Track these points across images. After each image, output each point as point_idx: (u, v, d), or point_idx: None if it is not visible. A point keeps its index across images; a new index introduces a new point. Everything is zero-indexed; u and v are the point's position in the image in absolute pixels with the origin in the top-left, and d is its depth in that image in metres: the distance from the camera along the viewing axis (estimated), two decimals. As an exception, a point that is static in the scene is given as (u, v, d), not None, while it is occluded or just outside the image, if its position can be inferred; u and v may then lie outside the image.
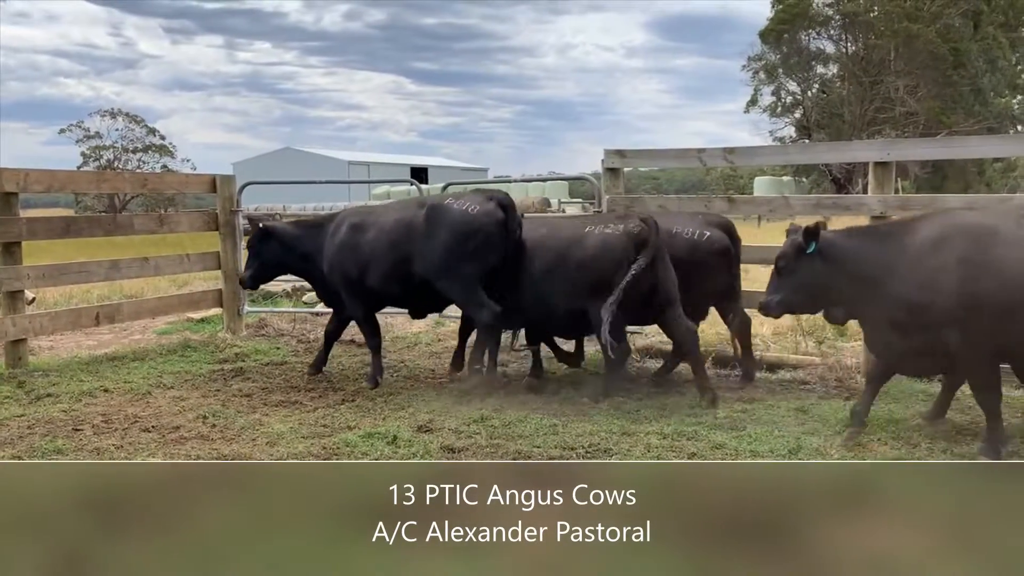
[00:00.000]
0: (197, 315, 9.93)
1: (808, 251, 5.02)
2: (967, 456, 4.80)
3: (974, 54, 41.12)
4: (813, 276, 5.09)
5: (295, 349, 8.32)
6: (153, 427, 5.62)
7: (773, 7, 46.18)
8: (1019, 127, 43.53)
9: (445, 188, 9.00)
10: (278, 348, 8.34)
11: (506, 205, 6.25)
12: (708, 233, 6.40)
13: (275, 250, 6.91)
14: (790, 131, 48.44)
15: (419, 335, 8.89)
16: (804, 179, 46.86)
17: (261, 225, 6.93)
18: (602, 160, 7.74)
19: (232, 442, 5.27)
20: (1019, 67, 44.89)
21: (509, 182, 21.37)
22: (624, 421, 5.58)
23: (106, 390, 6.59)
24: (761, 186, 37.31)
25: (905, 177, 41.23)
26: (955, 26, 40.89)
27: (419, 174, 54.24)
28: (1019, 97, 45.01)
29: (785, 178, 41.32)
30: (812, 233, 5.01)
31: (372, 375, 6.72)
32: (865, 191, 7.86)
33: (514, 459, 4.80)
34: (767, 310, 5.34)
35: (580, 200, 21.91)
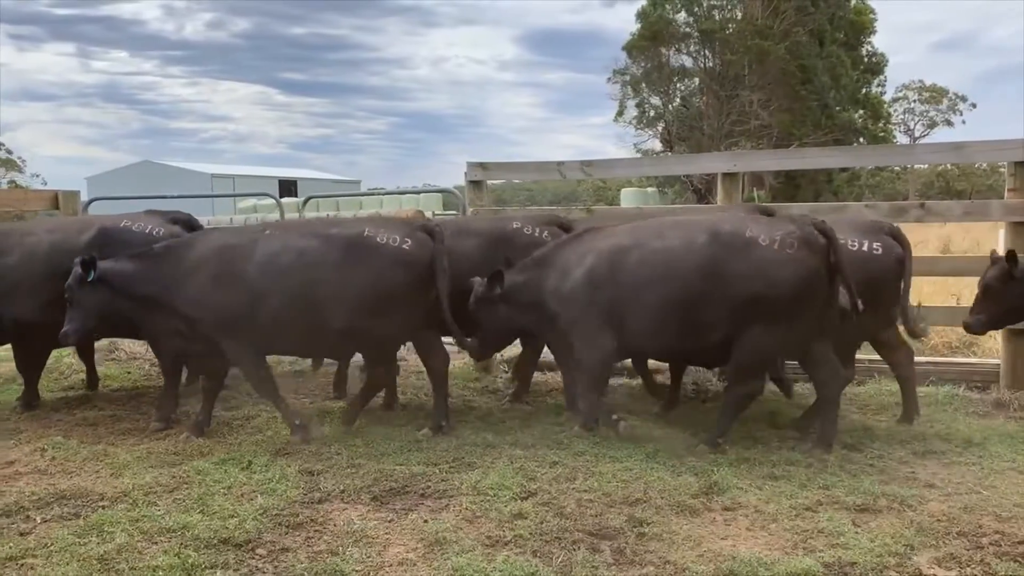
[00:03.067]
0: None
1: None
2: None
3: (820, 71, 43.73)
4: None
5: (147, 373, 7.88)
6: (-17, 463, 5.18)
7: (637, 22, 47.74)
8: (862, 139, 46.57)
9: (306, 202, 8.80)
10: (129, 372, 7.89)
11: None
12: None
13: None
14: (655, 143, 50.15)
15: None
16: (668, 190, 48.55)
17: None
18: (465, 173, 7.75)
19: (72, 476, 4.93)
20: (860, 83, 48.06)
21: (383, 194, 21.05)
22: (489, 434, 5.57)
23: (-70, 425, 6.05)
24: (627, 197, 38.29)
25: (761, 187, 43.42)
26: (802, 44, 43.37)
27: (288, 187, 52.85)
28: (861, 111, 48.18)
29: (650, 189, 42.56)
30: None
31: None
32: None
33: (375, 479, 4.69)
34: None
35: (454, 212, 21.89)
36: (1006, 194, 6.55)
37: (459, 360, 8.08)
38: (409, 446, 5.30)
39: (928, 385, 6.71)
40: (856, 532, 3.80)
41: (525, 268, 5.53)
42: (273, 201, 10.86)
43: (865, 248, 5.23)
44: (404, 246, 5.29)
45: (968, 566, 3.44)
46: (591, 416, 5.50)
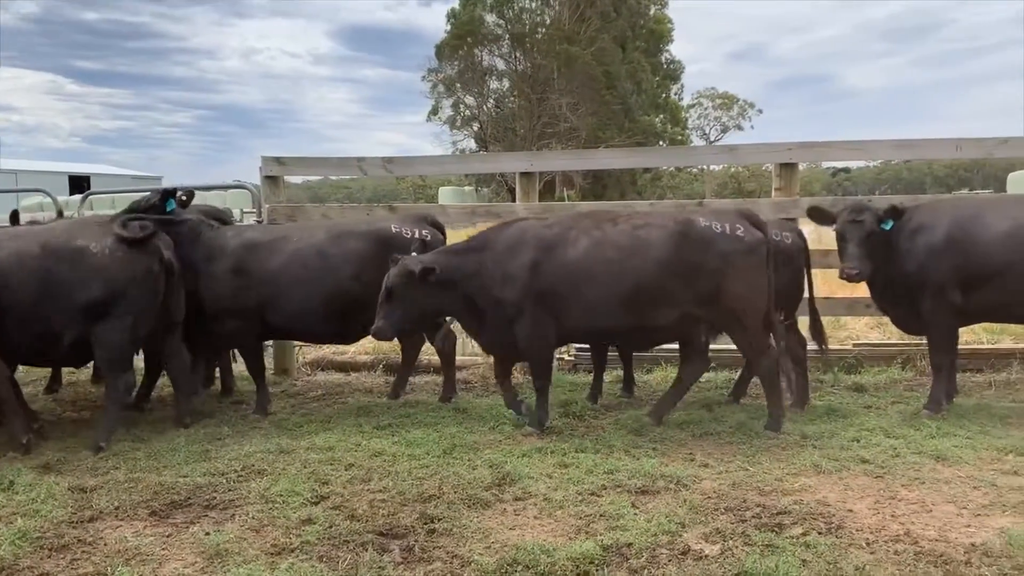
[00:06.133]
0: None
1: None
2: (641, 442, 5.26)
3: (623, 76, 45.94)
4: None
5: None
6: None
7: (448, 22, 48.08)
8: (663, 142, 49.34)
9: (85, 198, 8.17)
10: None
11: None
12: None
13: None
14: (470, 143, 50.75)
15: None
16: (485, 188, 49.31)
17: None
18: (260, 168, 7.47)
19: None
20: (660, 89, 50.89)
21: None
22: (283, 439, 5.39)
23: None
24: (444, 195, 38.51)
25: (571, 187, 45.04)
26: (607, 50, 45.35)
27: (81, 183, 48.85)
28: (661, 116, 51.02)
29: (467, 188, 43.07)
30: None
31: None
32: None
33: (155, 492, 4.41)
34: None
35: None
36: (773, 193, 7.14)
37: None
38: (195, 456, 5.04)
39: (708, 370, 7.19)
40: (635, 514, 3.99)
41: (458, 251, 5.56)
42: (63, 199, 10.00)
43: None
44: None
45: (731, 539, 3.69)
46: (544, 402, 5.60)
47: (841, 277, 5.73)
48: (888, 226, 5.65)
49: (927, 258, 5.58)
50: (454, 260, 5.49)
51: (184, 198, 6.15)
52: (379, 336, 5.55)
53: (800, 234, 6.12)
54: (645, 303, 5.23)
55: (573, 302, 5.30)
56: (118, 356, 5.34)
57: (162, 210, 5.93)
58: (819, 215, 5.99)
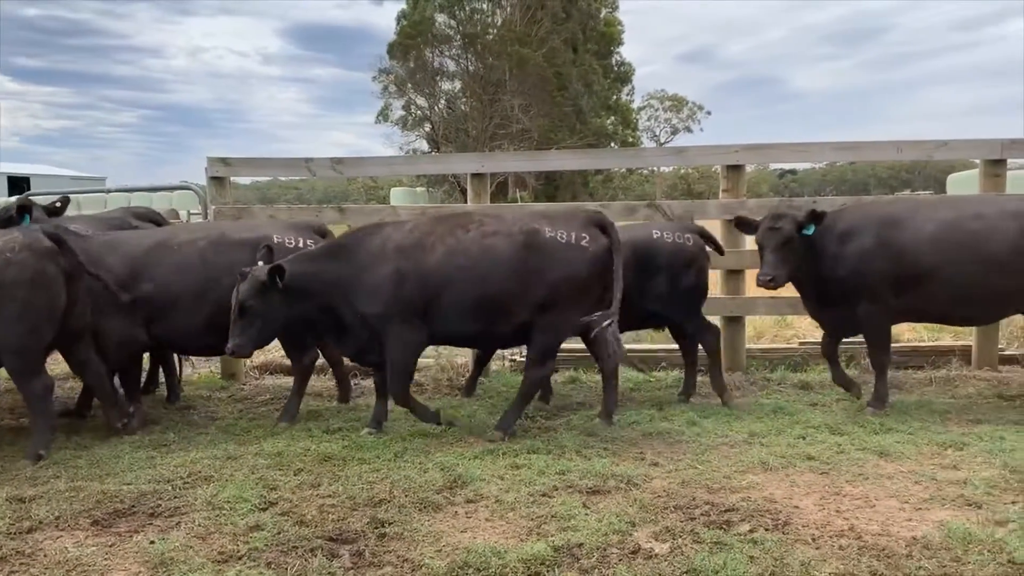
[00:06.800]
0: None
1: None
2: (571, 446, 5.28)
3: (574, 78, 46.20)
4: None
5: None
6: None
7: (398, 22, 47.81)
8: (614, 144, 49.72)
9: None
10: None
11: None
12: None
13: None
14: (423, 144, 50.53)
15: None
16: (437, 190, 49.13)
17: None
18: (206, 169, 7.34)
19: None
20: (611, 91, 51.29)
21: (128, 191, 19.24)
22: (231, 444, 5.31)
23: None
24: (396, 196, 38.27)
25: (524, 188, 45.12)
26: (558, 51, 45.56)
27: (19, 184, 47.46)
28: (612, 118, 51.43)
29: (419, 189, 42.86)
30: None
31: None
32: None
33: (97, 501, 4.31)
34: None
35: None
36: (720, 194, 7.24)
37: (205, 368, 7.71)
38: (139, 463, 4.94)
39: (660, 370, 7.29)
40: (586, 514, 4.01)
41: (314, 258, 5.47)
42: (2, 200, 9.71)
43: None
44: None
45: (680, 537, 3.73)
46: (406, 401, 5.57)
47: (757, 284, 5.85)
48: (810, 231, 5.77)
49: (859, 262, 5.70)
50: (310, 267, 5.40)
51: (59, 205, 6.13)
52: (238, 354, 5.42)
53: (701, 235, 6.27)
54: (492, 310, 5.26)
55: (432, 309, 5.30)
56: (22, 362, 5.12)
57: (18, 223, 5.79)
58: (743, 225, 6.11)
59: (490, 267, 5.21)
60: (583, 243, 5.24)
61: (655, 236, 6.14)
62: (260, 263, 5.39)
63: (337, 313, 5.44)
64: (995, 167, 7.01)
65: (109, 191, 17.79)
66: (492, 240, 5.27)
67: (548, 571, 3.42)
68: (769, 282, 5.72)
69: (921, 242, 5.61)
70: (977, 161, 7.32)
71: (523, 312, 5.25)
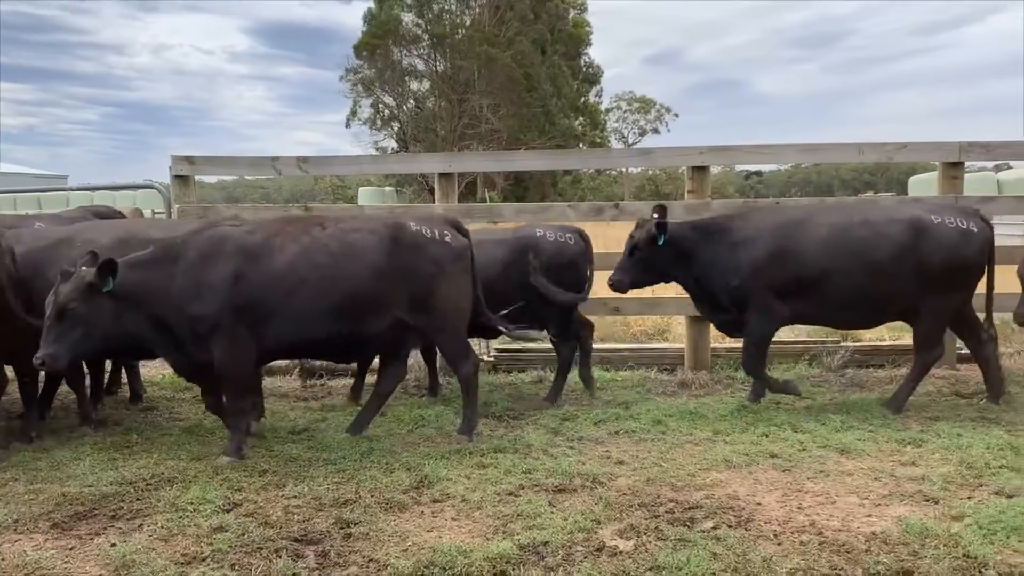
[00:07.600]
0: None
1: None
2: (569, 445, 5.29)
3: (542, 79, 46.31)
4: None
5: None
6: None
7: (365, 22, 47.56)
8: (583, 145, 49.91)
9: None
10: None
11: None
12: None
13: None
14: (392, 143, 50.33)
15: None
16: (406, 190, 48.95)
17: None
18: (170, 167, 7.26)
19: None
20: (579, 92, 51.49)
21: (90, 189, 18.94)
22: (194, 446, 5.25)
23: None
24: (364, 196, 38.09)
25: (493, 188, 45.12)
26: (526, 52, 45.64)
27: (-22, 181, 46.44)
28: (581, 119, 51.64)
29: (387, 188, 42.67)
30: None
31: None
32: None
33: (57, 504, 4.24)
34: None
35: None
36: (686, 195, 7.31)
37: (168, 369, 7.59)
38: (101, 465, 4.87)
39: (626, 369, 7.34)
40: (552, 512, 4.03)
41: (143, 263, 4.87)
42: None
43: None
44: None
45: (645, 534, 3.76)
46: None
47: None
48: (660, 241, 5.98)
49: (751, 272, 5.83)
50: (133, 274, 4.78)
51: None
52: (49, 365, 4.66)
53: (581, 236, 6.42)
54: (357, 310, 5.04)
55: (281, 314, 4.91)
56: None
57: None
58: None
59: (355, 263, 5.03)
60: (446, 239, 5.31)
61: (539, 235, 6.31)
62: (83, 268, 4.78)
63: (166, 324, 4.89)
64: (953, 169, 7.14)
65: (72, 189, 17.50)
66: (355, 236, 5.12)
67: (514, 570, 3.44)
68: (611, 285, 6.15)
69: (812, 248, 5.75)
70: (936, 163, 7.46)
71: (395, 309, 5.14)
